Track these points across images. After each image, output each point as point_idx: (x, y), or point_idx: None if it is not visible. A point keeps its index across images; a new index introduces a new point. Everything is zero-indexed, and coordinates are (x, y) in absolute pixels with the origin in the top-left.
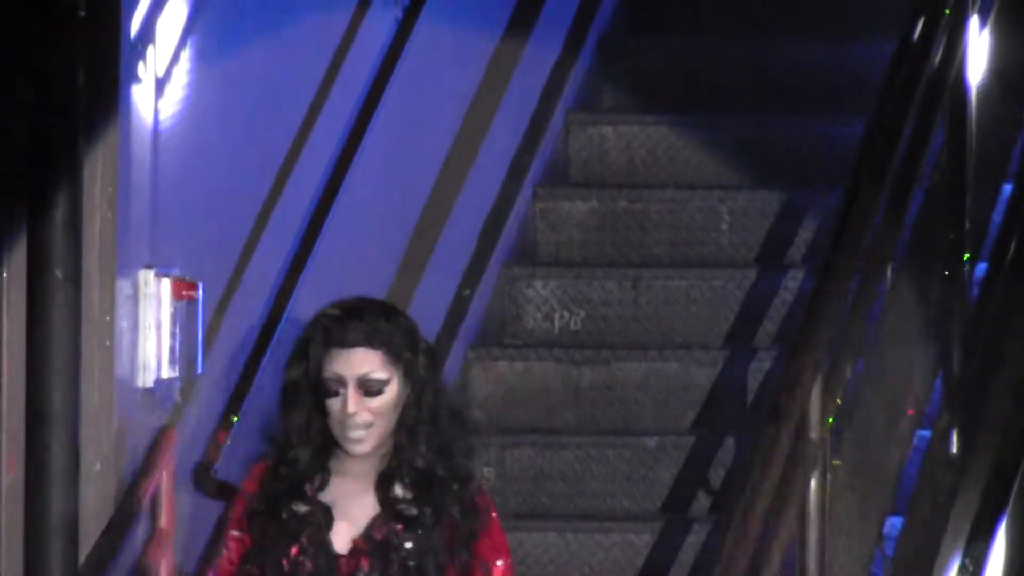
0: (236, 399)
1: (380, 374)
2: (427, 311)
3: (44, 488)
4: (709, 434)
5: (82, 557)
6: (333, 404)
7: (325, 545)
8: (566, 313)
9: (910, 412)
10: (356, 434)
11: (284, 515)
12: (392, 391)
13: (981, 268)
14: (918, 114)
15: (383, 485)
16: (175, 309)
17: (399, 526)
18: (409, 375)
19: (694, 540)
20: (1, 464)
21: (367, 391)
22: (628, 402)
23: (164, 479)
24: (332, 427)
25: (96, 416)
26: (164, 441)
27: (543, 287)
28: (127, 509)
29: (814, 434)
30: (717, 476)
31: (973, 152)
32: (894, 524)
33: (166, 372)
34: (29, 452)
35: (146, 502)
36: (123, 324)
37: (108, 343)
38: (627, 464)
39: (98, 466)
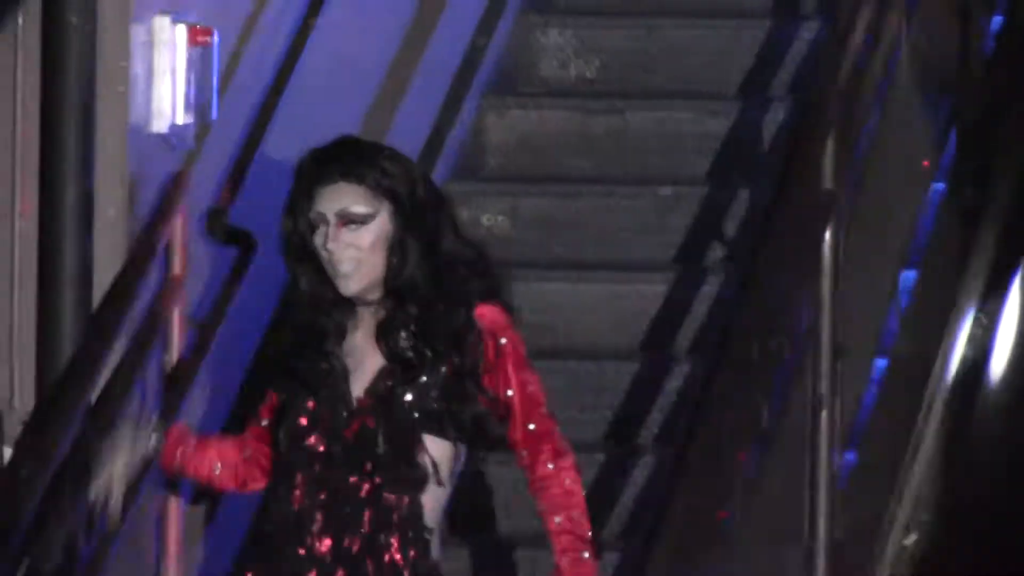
0: (250, 145)
1: (360, 208)
2: (442, 60)
3: (57, 234)
4: (723, 184)
5: (95, 303)
6: (318, 242)
7: (343, 399)
8: (581, 61)
9: (925, 164)
10: (344, 269)
11: (302, 369)
12: (377, 226)
13: (997, 21)
14: None
15: (385, 333)
16: (190, 55)
17: (403, 376)
18: (399, 213)
19: (708, 290)
20: (15, 210)
21: (349, 226)
22: (642, 151)
23: (177, 225)
24: (327, 270)
25: (110, 162)
26: (178, 187)
27: (559, 35)
28: (140, 255)
29: (828, 185)
30: (731, 227)
31: None
32: (908, 278)
33: (180, 118)
34: (43, 198)
35: (159, 248)
36: (138, 70)
37: (122, 89)
38: (641, 213)
39: (112, 212)
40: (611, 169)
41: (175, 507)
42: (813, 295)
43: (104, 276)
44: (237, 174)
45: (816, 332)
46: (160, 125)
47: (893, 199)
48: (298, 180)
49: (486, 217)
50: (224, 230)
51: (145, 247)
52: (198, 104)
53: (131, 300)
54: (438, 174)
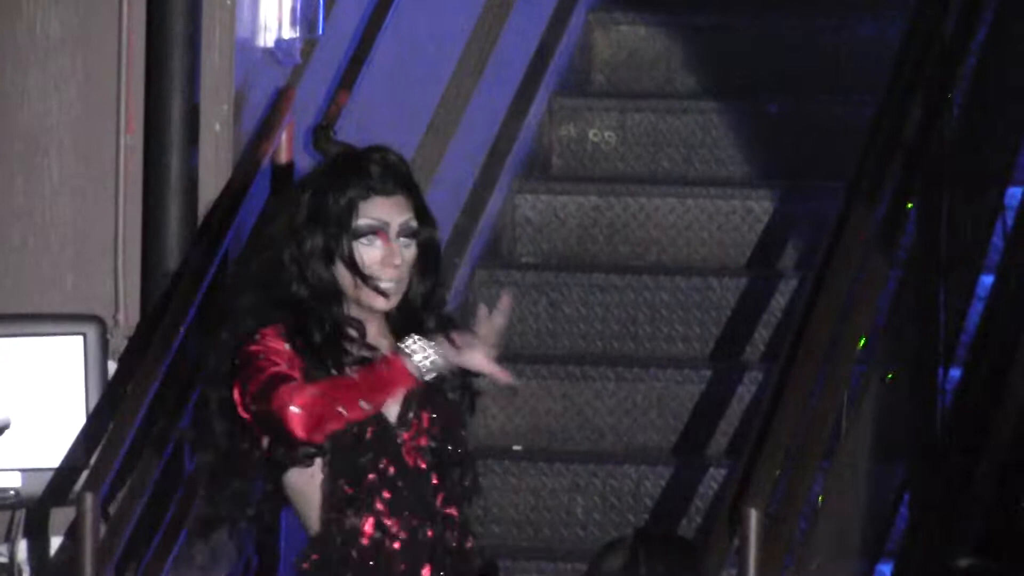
0: (356, 61)
1: (415, 221)
2: None
3: (163, 148)
4: (835, 99)
5: (201, 215)
6: (369, 253)
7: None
8: None
9: None
10: (387, 286)
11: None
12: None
13: None
14: None
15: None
16: None
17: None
18: (422, 222)
19: (815, 206)
20: (121, 124)
21: (403, 240)
22: (751, 66)
23: (283, 140)
24: (358, 278)
25: (216, 76)
26: (284, 102)
27: None
28: (246, 169)
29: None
30: (844, 144)
31: None
32: (1014, 195)
33: (287, 32)
34: (148, 112)
35: (265, 162)
36: None
37: (229, 3)
38: (748, 129)
39: (217, 126)
40: (718, 85)
41: None
42: (921, 211)
43: (209, 191)
44: (343, 89)
45: (923, 248)
46: (266, 39)
47: (998, 119)
48: (345, 186)
49: (593, 132)
50: (330, 145)
51: (250, 162)
52: (304, 18)
53: (237, 212)
54: (546, 88)
